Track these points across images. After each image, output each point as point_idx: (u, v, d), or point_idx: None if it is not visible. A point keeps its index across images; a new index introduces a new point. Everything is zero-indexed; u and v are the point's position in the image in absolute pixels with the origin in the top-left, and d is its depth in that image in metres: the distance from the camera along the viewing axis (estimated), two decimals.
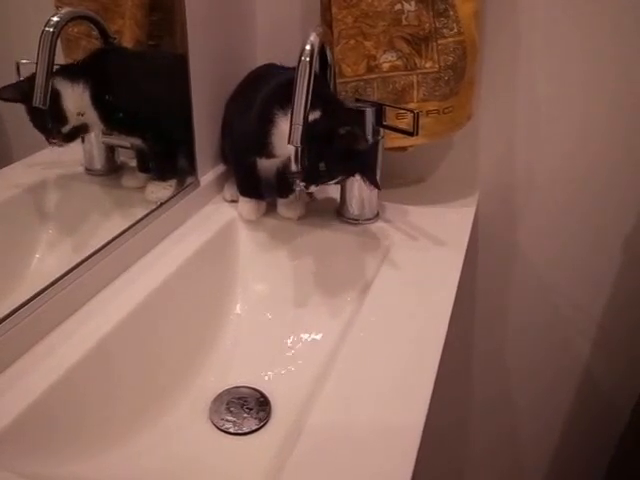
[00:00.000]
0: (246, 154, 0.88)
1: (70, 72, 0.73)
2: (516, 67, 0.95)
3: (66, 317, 0.66)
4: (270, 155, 0.85)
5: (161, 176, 0.87)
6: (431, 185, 1.06)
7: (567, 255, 1.07)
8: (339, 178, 0.79)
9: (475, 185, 1.04)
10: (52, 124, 0.72)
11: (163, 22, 0.85)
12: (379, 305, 0.73)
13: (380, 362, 0.64)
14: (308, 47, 0.72)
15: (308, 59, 0.72)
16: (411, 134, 0.79)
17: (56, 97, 0.72)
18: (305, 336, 0.84)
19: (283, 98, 0.79)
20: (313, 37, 0.73)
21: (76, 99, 0.74)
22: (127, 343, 0.68)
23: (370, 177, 0.79)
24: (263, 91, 0.83)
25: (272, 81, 0.84)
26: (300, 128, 0.71)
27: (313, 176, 0.76)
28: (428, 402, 0.58)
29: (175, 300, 0.77)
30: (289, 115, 0.75)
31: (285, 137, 0.77)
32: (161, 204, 0.83)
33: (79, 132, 0.76)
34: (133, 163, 0.87)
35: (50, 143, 0.72)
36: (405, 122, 0.85)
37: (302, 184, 0.76)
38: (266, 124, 0.81)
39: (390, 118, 0.87)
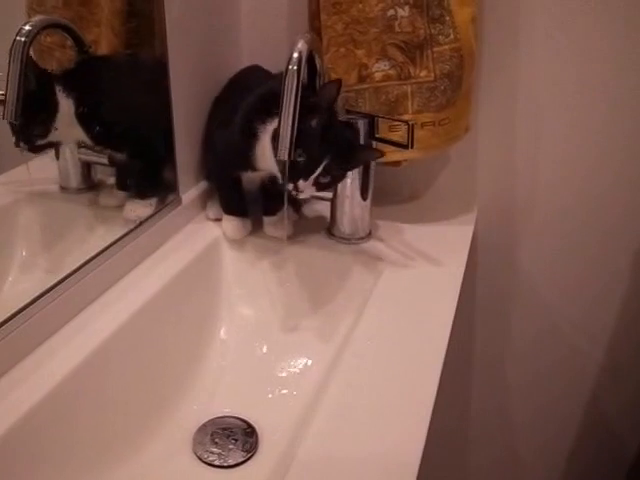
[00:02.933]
0: (229, 168, 0.87)
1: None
2: (515, 76, 0.96)
3: (37, 345, 0.65)
4: (255, 169, 0.84)
5: (141, 193, 0.86)
6: (426, 202, 1.06)
7: (570, 273, 1.07)
8: (331, 176, 0.77)
9: (473, 202, 1.05)
10: (33, 131, 0.72)
11: (141, 29, 0.84)
12: (374, 328, 0.73)
13: (375, 389, 0.63)
14: (296, 55, 0.73)
15: (296, 67, 0.72)
16: (406, 147, 0.80)
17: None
18: (294, 362, 0.83)
19: (266, 110, 0.79)
20: (301, 44, 0.73)
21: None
22: (103, 372, 0.66)
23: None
24: (245, 102, 0.83)
25: (255, 90, 0.84)
26: (288, 141, 0.72)
27: (308, 170, 0.75)
28: (425, 433, 0.57)
29: (156, 325, 0.76)
30: (272, 128, 0.76)
31: (269, 154, 0.78)
32: (140, 223, 0.83)
33: (49, 146, 0.75)
34: (111, 181, 0.87)
35: (17, 146, 0.70)
36: (399, 135, 0.85)
37: (291, 186, 0.75)
38: (249, 138, 0.81)
39: (383, 130, 0.87)
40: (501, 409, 1.24)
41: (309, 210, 1.01)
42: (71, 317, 0.70)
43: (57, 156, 0.79)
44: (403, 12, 0.85)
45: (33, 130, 0.71)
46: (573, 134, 0.97)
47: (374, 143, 0.86)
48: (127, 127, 0.85)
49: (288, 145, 0.72)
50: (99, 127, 0.79)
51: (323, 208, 0.99)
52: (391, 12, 0.85)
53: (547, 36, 0.92)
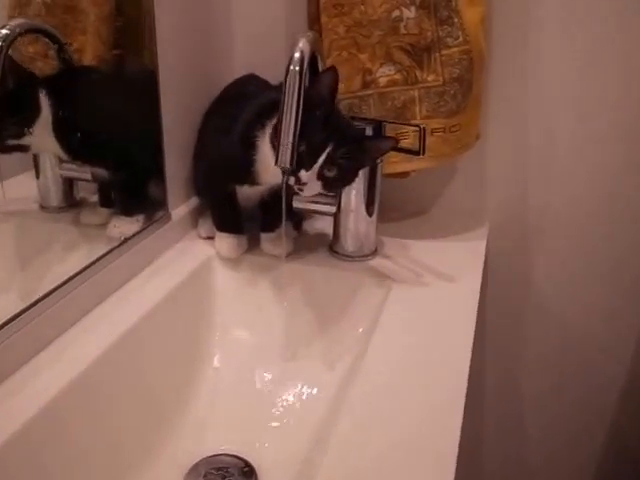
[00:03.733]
0: (224, 181, 0.82)
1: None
2: (527, 80, 0.91)
3: (9, 374, 0.58)
4: (253, 182, 0.79)
5: (126, 210, 0.80)
6: (433, 217, 1.01)
7: (585, 289, 1.03)
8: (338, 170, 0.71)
9: (483, 216, 0.99)
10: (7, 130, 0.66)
11: (130, 36, 0.80)
12: (385, 353, 0.66)
13: (391, 423, 0.56)
14: (297, 55, 0.67)
15: (298, 68, 0.66)
16: (417, 153, 0.74)
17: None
18: (297, 392, 0.77)
19: (266, 120, 0.74)
20: (302, 43, 0.68)
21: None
22: (82, 405, 0.59)
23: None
24: (244, 111, 0.78)
25: (254, 100, 0.79)
26: (290, 148, 0.66)
27: (310, 158, 0.69)
28: (453, 475, 0.50)
29: (142, 352, 0.69)
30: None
31: (270, 163, 0.72)
32: (125, 240, 0.76)
33: (19, 149, 0.70)
34: (94, 199, 0.81)
35: None
36: (407, 142, 0.79)
37: (292, 179, 0.69)
38: (248, 149, 0.75)
39: None
40: (514, 422, 1.18)
41: (310, 227, 0.95)
42: (44, 345, 0.63)
43: (37, 175, 0.75)
44: (409, 13, 0.80)
45: (7, 128, 0.65)
46: (590, 144, 0.93)
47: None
48: (112, 138, 0.80)
49: (290, 154, 0.65)
50: (81, 138, 0.74)
51: (325, 225, 0.94)
52: (396, 13, 0.81)
53: (560, 34, 0.87)
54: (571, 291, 1.03)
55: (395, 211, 0.97)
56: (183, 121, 0.87)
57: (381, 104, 0.84)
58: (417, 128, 0.74)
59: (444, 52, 0.81)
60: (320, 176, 0.70)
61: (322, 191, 0.72)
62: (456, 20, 0.80)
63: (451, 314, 0.73)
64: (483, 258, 0.87)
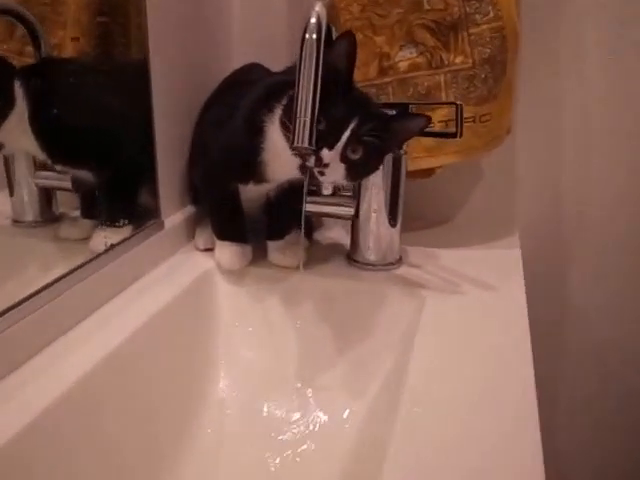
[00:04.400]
0: (225, 179, 0.71)
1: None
2: (561, 69, 0.83)
3: None
4: (260, 179, 0.68)
5: (112, 218, 0.70)
6: (457, 226, 0.92)
7: (626, 304, 0.93)
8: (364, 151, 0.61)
9: (512, 224, 0.90)
10: None
11: (116, 27, 0.71)
12: (430, 375, 0.54)
13: (457, 457, 0.44)
14: (313, 20, 0.57)
15: (315, 36, 0.57)
16: (453, 135, 0.64)
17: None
18: (315, 425, 0.65)
19: (275, 102, 0.64)
20: (319, 7, 0.58)
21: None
22: (58, 445, 0.47)
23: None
24: (247, 96, 0.68)
25: (260, 82, 0.69)
26: (308, 124, 0.55)
27: (332, 136, 0.59)
28: None
29: (131, 381, 0.57)
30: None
31: (280, 153, 0.63)
32: (112, 246, 0.65)
33: None
34: (76, 214, 0.71)
35: None
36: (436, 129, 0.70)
37: (312, 160, 0.59)
38: (254, 137, 0.65)
39: None
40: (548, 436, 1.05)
41: (321, 236, 0.84)
42: (11, 370, 0.50)
43: (9, 185, 0.65)
44: None
45: None
46: (631, 143, 0.85)
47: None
48: (97, 136, 0.70)
49: (309, 132, 0.55)
50: (62, 135, 0.65)
51: (338, 235, 0.84)
52: None
53: (601, 15, 0.79)
54: (608, 303, 0.94)
55: (415, 220, 0.86)
56: (177, 118, 0.77)
57: (402, 92, 0.75)
58: (452, 106, 0.64)
59: (472, 30, 0.72)
60: (344, 158, 0.60)
61: (344, 180, 0.62)
62: None
63: (501, 325, 0.62)
64: (521, 264, 0.76)
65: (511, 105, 0.78)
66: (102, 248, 0.66)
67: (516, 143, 0.86)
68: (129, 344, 0.57)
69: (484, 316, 0.64)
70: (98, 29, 0.70)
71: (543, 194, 0.90)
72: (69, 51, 0.67)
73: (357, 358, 0.68)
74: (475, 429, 0.46)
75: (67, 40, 0.67)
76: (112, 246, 0.65)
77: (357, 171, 0.62)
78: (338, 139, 0.59)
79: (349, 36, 0.60)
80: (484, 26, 0.72)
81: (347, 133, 0.59)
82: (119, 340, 0.56)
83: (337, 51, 0.60)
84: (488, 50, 0.73)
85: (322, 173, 0.61)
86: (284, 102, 0.63)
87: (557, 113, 0.85)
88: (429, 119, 0.62)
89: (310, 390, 0.68)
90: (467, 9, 0.72)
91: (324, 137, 0.59)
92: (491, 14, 0.72)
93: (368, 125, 0.60)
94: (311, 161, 0.59)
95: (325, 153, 0.59)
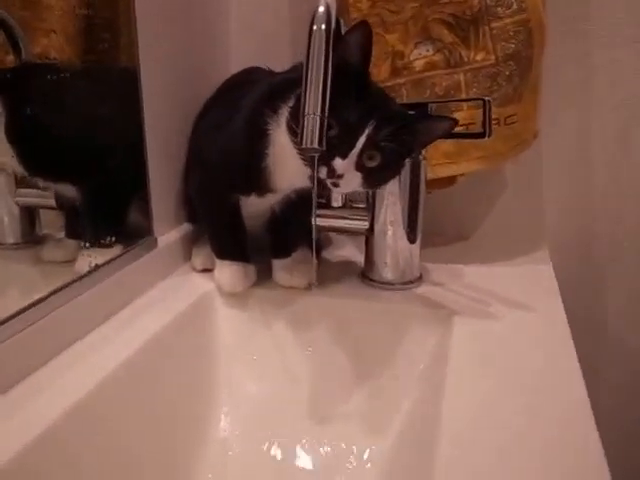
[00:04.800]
0: (225, 190, 0.64)
1: None
2: (591, 68, 0.76)
3: None
4: (263, 189, 0.61)
5: (97, 237, 0.62)
6: (481, 240, 0.85)
7: None
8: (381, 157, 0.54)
9: (541, 239, 0.82)
10: None
11: (103, 28, 0.65)
12: (469, 407, 0.46)
13: None
14: (322, 9, 0.50)
15: (324, 26, 0.50)
16: (481, 135, 0.57)
17: None
18: (331, 466, 0.57)
19: (280, 102, 0.58)
20: None
21: None
22: None
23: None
24: (250, 95, 0.62)
25: (263, 81, 0.63)
26: (318, 121, 0.48)
27: (345, 143, 0.52)
28: None
29: (114, 424, 0.49)
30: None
31: (286, 159, 0.57)
32: (96, 266, 0.58)
33: None
34: (62, 234, 0.63)
35: None
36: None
37: (324, 171, 0.53)
38: (257, 141, 0.59)
39: None
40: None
41: (331, 255, 0.77)
42: None
43: None
44: None
45: None
46: None
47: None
48: (83, 147, 0.63)
49: (319, 130, 0.48)
50: (43, 146, 0.58)
51: (350, 253, 0.77)
52: None
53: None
54: None
55: (435, 235, 0.79)
56: (171, 126, 0.70)
57: (417, 93, 0.68)
58: (479, 102, 0.57)
59: (494, 25, 0.66)
60: (359, 166, 0.53)
61: (361, 188, 0.55)
62: None
63: (545, 350, 0.54)
64: (555, 281, 0.69)
65: (538, 105, 0.71)
66: (87, 269, 0.59)
67: (543, 149, 0.79)
68: (114, 380, 0.49)
69: (523, 340, 0.56)
70: (84, 32, 0.64)
71: (574, 204, 0.83)
72: (53, 57, 0.61)
73: (377, 390, 0.60)
74: (531, 471, 0.39)
75: (51, 47, 0.61)
76: (97, 267, 0.57)
77: (375, 179, 0.56)
78: (353, 146, 0.52)
79: (363, 27, 0.53)
80: (507, 20, 0.66)
81: (363, 139, 0.52)
82: (101, 376, 0.49)
83: (349, 44, 0.53)
84: (512, 45, 0.66)
85: (336, 184, 0.54)
86: (291, 103, 0.56)
87: (587, 113, 0.78)
88: (455, 122, 0.55)
89: (324, 428, 0.60)
90: (488, 1, 0.66)
91: (337, 144, 0.52)
92: (514, 6, 0.66)
93: (387, 128, 0.53)
94: (323, 172, 0.53)
95: (338, 163, 0.52)
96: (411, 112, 0.60)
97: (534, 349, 0.54)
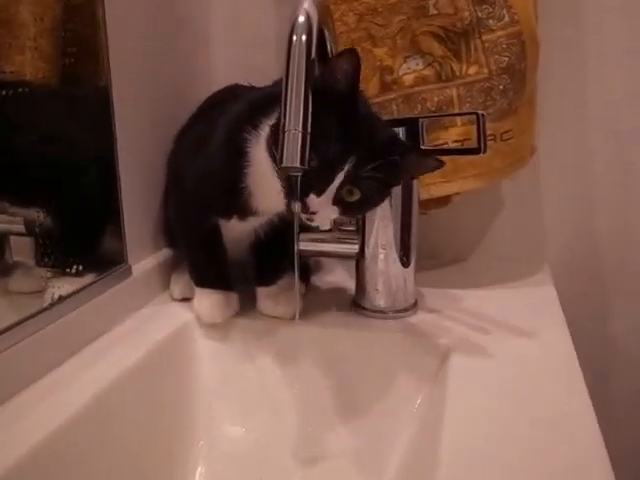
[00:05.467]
0: (203, 213, 0.61)
1: None
2: (588, 80, 0.74)
3: None
4: (244, 211, 0.58)
5: (64, 265, 0.58)
6: (478, 263, 0.81)
7: None
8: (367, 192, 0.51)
9: (541, 260, 0.78)
10: None
11: (78, 49, 0.62)
12: (470, 447, 0.41)
13: None
14: (302, 18, 0.48)
15: (304, 37, 0.47)
16: (476, 151, 0.53)
17: None
18: None
19: (261, 117, 0.54)
20: (307, 4, 0.48)
21: None
22: None
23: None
24: (227, 112, 0.58)
25: (243, 97, 0.60)
26: (300, 137, 0.45)
27: (322, 178, 0.49)
28: None
29: (85, 460, 0.45)
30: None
31: (268, 180, 0.53)
32: (60, 298, 0.53)
33: None
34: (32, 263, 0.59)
35: None
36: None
37: (297, 206, 0.49)
38: (236, 159, 0.55)
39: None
40: None
41: (320, 281, 0.73)
42: None
43: None
44: None
45: None
46: None
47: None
48: (50, 169, 0.59)
49: (300, 146, 0.44)
50: (7, 166, 0.53)
51: (340, 279, 0.73)
52: None
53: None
54: None
55: (429, 258, 0.75)
56: (147, 149, 0.67)
57: (408, 109, 0.65)
58: (471, 117, 0.54)
59: (486, 37, 0.63)
60: (336, 200, 0.50)
61: (338, 217, 0.52)
62: None
63: (552, 383, 0.50)
64: (559, 305, 0.65)
65: (534, 121, 0.68)
66: (49, 302, 0.54)
67: (540, 165, 0.76)
68: (81, 419, 0.45)
69: (527, 373, 0.51)
70: (58, 49, 0.61)
71: (574, 222, 0.79)
72: (30, 76, 0.58)
73: (369, 428, 0.56)
74: None
75: (26, 65, 0.58)
76: (60, 298, 0.53)
77: (353, 211, 0.53)
78: (329, 182, 0.49)
79: (351, 54, 0.49)
80: (499, 32, 0.63)
81: (341, 175, 0.49)
82: (67, 415, 0.45)
83: (335, 70, 0.50)
84: (506, 58, 0.63)
85: (310, 220, 0.51)
86: (272, 121, 0.53)
87: (586, 123, 0.75)
88: (442, 164, 0.52)
89: (312, 470, 0.55)
90: (478, 14, 0.63)
91: (312, 179, 0.49)
92: (506, 18, 0.63)
93: (368, 164, 0.49)
94: (296, 206, 0.49)
95: (313, 200, 0.49)
96: (396, 142, 0.56)
97: (539, 382, 0.50)
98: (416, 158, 0.54)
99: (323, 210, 0.50)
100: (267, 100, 0.54)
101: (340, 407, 0.58)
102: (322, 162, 0.49)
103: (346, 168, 0.49)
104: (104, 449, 0.47)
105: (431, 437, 0.45)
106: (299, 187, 0.48)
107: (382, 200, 0.56)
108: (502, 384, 0.49)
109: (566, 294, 0.70)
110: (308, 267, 0.72)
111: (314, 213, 0.50)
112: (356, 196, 0.51)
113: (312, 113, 0.47)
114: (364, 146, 0.50)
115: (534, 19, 0.64)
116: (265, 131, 0.53)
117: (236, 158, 0.55)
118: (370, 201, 0.53)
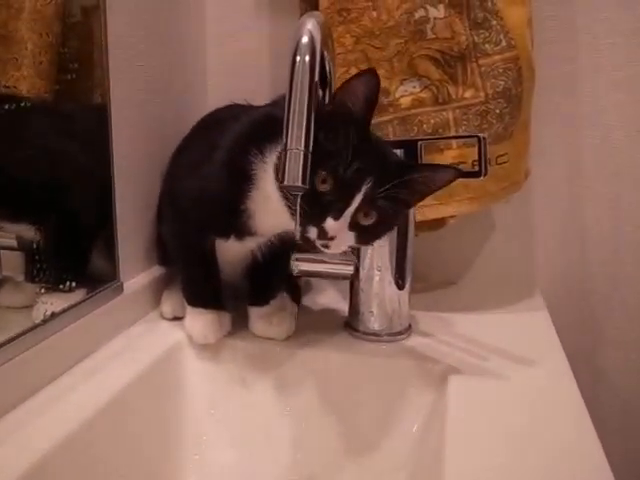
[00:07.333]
0: (199, 232, 0.59)
1: None
2: (582, 102, 0.74)
3: None
4: (243, 232, 0.57)
5: (56, 281, 0.57)
6: (470, 286, 0.80)
7: None
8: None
9: (532, 284, 0.79)
10: None
11: (73, 63, 0.61)
12: (474, 473, 0.41)
13: None
14: (305, 39, 0.47)
15: (308, 58, 0.46)
16: (477, 175, 0.53)
17: None
18: None
19: (265, 142, 0.54)
20: (311, 25, 0.48)
21: None
22: None
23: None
24: (230, 132, 0.57)
25: (242, 118, 0.59)
26: (302, 156, 0.44)
27: (339, 201, 0.48)
28: None
29: None
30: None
31: (271, 201, 0.52)
32: (52, 315, 0.52)
33: None
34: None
35: None
36: None
37: (314, 232, 0.48)
38: (239, 181, 0.54)
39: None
40: None
41: (311, 301, 0.72)
42: None
43: None
44: (437, 12, 0.63)
45: None
46: None
47: None
48: (42, 184, 0.58)
49: (301, 164, 0.44)
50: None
51: (332, 300, 0.72)
52: (421, 13, 0.64)
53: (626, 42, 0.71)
54: None
55: (422, 280, 0.75)
56: (143, 166, 0.67)
57: (404, 131, 0.65)
58: (468, 140, 0.54)
59: (482, 61, 0.64)
60: (353, 225, 0.49)
61: (354, 245, 0.51)
62: (494, 23, 0.63)
63: (549, 405, 0.50)
64: (554, 330, 0.64)
65: (528, 145, 0.68)
66: (41, 318, 0.53)
67: (533, 189, 0.76)
68: (65, 448, 0.43)
69: (527, 398, 0.51)
70: (55, 66, 0.60)
71: (566, 247, 0.79)
72: (27, 91, 0.57)
73: (366, 455, 0.55)
74: None
75: (22, 80, 0.57)
76: (53, 315, 0.52)
77: (369, 236, 0.52)
78: (348, 205, 0.48)
79: (371, 75, 0.48)
80: (496, 57, 0.64)
81: (359, 197, 0.48)
82: (55, 438, 0.43)
83: (353, 91, 0.49)
84: (502, 82, 0.64)
85: (326, 246, 0.49)
86: (277, 146, 0.51)
87: (579, 150, 0.75)
88: (461, 172, 0.51)
89: None
90: (475, 38, 0.63)
91: (330, 202, 0.48)
92: (503, 43, 0.64)
93: (385, 185, 0.48)
94: (312, 232, 0.48)
95: (330, 225, 0.48)
96: (409, 162, 0.57)
97: (539, 407, 0.50)
98: (431, 173, 0.52)
99: (340, 236, 0.49)
100: (271, 123, 0.53)
101: (332, 432, 0.57)
102: (339, 184, 0.48)
103: (364, 189, 0.48)
104: (90, 472, 0.46)
105: (430, 464, 0.45)
106: (312, 212, 0.47)
107: (397, 223, 0.56)
108: (501, 412, 0.49)
109: (557, 317, 0.69)
110: (298, 287, 0.71)
111: (332, 239, 0.49)
112: (372, 219, 0.50)
113: (326, 133, 0.47)
114: (380, 166, 0.49)
115: (530, 45, 0.65)
116: (272, 157, 0.53)
117: (239, 180, 0.54)
118: (386, 223, 0.52)
